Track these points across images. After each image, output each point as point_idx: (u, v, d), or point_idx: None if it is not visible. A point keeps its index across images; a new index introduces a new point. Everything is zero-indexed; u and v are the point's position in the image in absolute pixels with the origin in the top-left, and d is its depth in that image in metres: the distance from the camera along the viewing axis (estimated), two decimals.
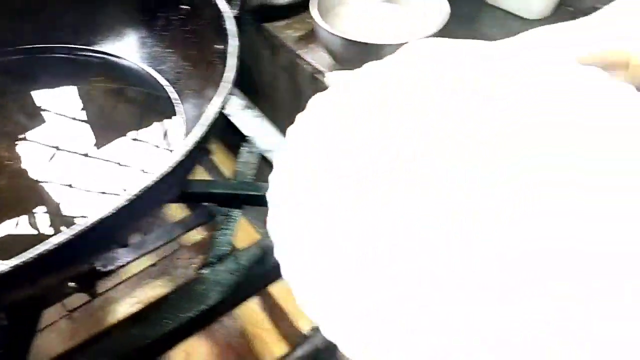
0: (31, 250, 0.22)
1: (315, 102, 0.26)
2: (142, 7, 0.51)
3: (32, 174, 0.41)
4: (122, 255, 0.53)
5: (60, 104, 0.48)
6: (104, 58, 0.52)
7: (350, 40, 0.46)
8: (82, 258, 0.31)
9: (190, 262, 0.67)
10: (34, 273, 0.24)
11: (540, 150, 0.25)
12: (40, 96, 0.49)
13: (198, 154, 0.29)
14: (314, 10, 0.50)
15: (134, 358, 0.33)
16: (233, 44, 0.35)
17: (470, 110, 0.26)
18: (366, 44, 0.46)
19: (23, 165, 0.42)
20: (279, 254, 0.20)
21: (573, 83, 0.25)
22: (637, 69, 0.29)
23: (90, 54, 0.52)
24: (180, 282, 0.62)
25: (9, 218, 0.38)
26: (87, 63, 0.51)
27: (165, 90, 0.48)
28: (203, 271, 0.38)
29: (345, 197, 0.23)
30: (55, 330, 0.60)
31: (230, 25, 0.37)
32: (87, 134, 0.46)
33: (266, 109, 0.54)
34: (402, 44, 0.30)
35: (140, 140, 0.45)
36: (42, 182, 0.41)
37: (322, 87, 0.29)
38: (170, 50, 0.49)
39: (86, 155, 0.43)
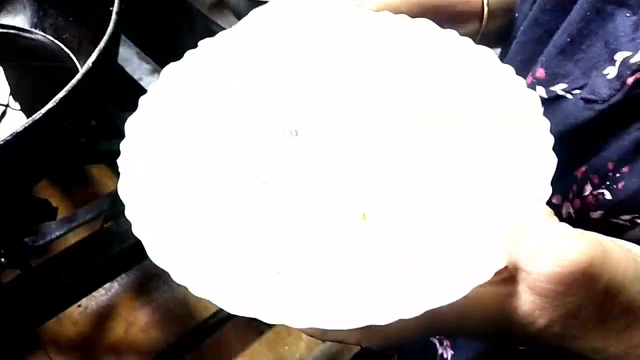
0: None
1: (167, 71, 0.27)
2: None
3: None
4: (51, 230, 0.54)
5: None
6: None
7: (254, 1, 0.48)
8: None
9: None
10: None
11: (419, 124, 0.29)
12: None
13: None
14: None
15: None
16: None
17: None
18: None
19: None
20: (128, 214, 0.22)
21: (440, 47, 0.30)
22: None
23: None
24: None
25: None
26: None
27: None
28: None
29: (184, 158, 0.26)
30: None
31: None
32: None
33: None
34: None
35: None
36: None
37: None
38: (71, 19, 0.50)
39: None
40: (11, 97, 0.50)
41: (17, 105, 0.50)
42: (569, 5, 0.35)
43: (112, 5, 0.41)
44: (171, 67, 0.28)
